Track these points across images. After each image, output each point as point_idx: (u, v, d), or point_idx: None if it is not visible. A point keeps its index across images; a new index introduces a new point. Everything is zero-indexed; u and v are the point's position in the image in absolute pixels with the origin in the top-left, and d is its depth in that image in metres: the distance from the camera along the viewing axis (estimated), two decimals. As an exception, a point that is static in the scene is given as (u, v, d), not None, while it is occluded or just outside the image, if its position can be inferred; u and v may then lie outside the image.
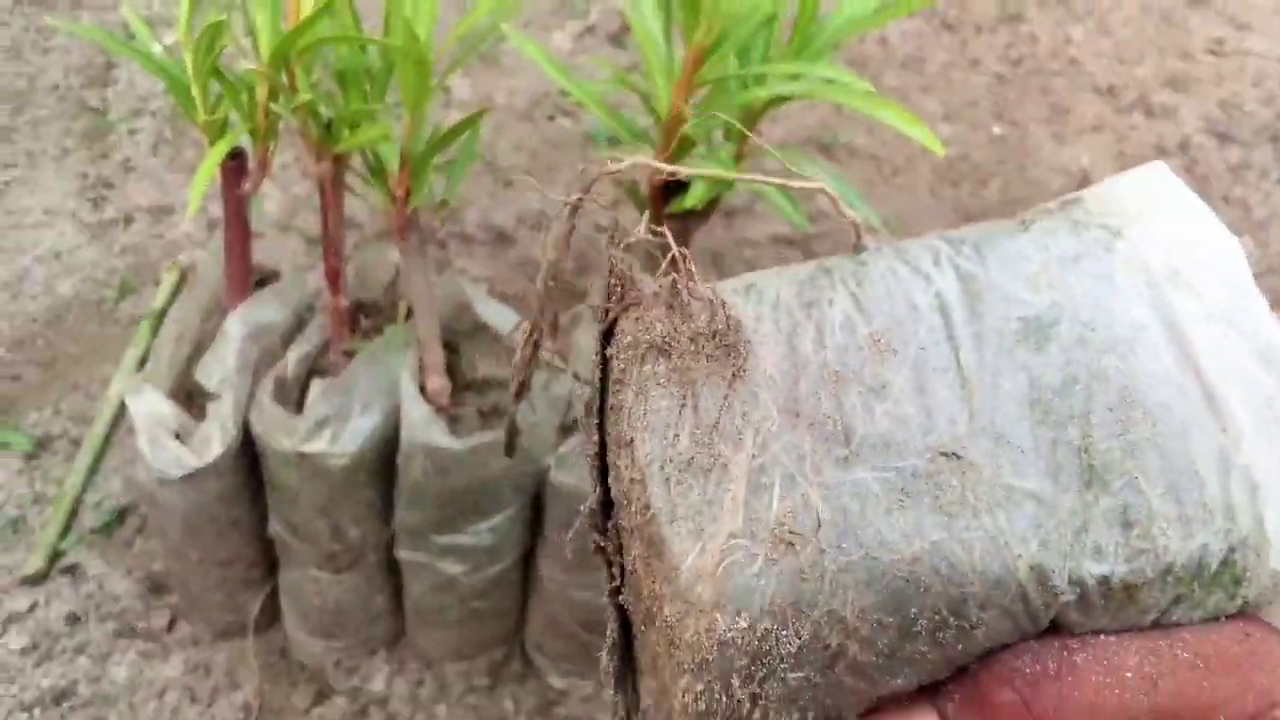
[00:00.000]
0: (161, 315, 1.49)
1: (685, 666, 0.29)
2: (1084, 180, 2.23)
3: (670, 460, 0.29)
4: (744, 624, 0.27)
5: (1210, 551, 0.29)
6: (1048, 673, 0.30)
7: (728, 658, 0.28)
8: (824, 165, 0.74)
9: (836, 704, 0.29)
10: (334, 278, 0.96)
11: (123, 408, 1.38)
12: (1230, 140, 2.47)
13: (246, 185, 0.90)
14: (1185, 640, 0.31)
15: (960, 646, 0.29)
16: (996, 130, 2.35)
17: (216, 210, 1.70)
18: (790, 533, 0.27)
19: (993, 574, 0.28)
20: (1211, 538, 0.29)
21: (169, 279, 1.54)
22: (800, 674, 0.28)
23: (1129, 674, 0.30)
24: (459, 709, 1.19)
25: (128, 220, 1.68)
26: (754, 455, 0.28)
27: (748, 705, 0.28)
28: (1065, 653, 0.30)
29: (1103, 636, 0.31)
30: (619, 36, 2.37)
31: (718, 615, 0.28)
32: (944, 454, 0.28)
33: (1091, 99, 2.55)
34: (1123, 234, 0.32)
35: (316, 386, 0.96)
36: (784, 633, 0.27)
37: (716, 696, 0.28)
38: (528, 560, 1.13)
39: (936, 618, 0.28)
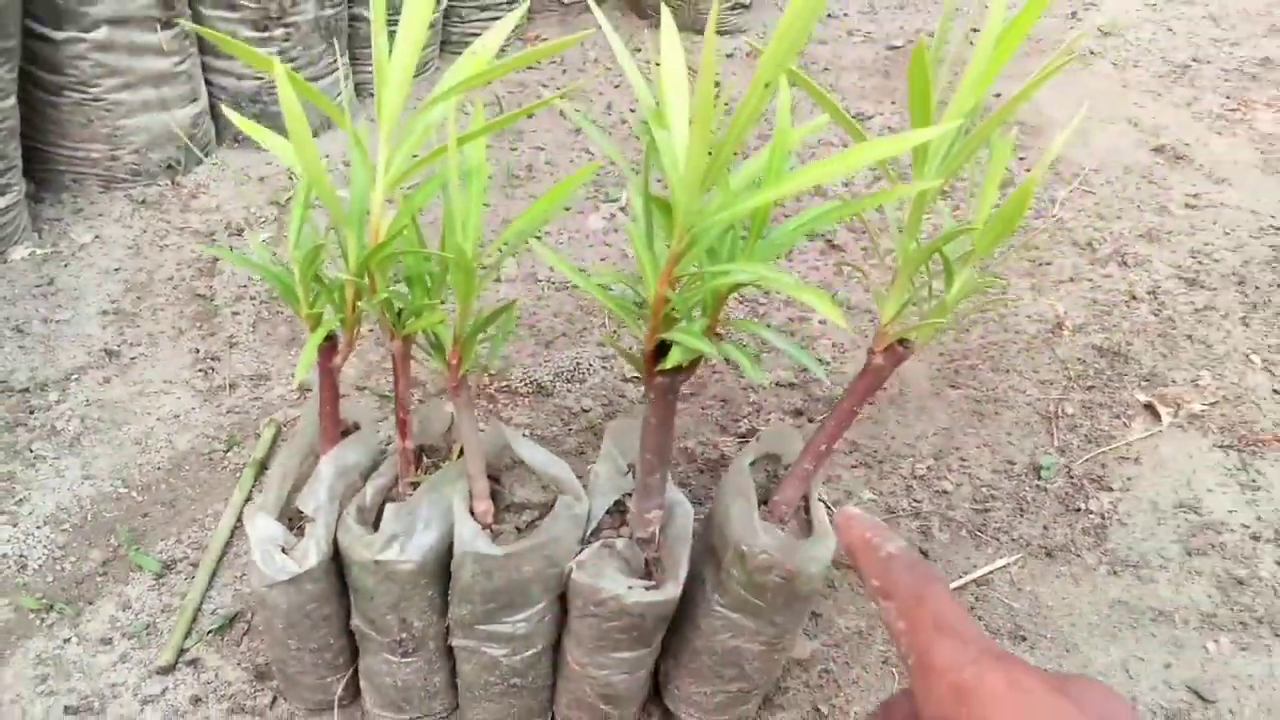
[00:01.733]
0: (262, 464, 1.78)
1: None
2: (1058, 326, 2.45)
3: None
4: None
5: None
6: None
7: None
8: (775, 334, 0.91)
9: None
10: (403, 427, 1.22)
11: (232, 536, 1.67)
12: (1198, 285, 2.66)
13: (336, 359, 1.17)
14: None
15: None
16: (980, 282, 2.58)
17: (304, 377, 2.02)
18: None
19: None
20: None
21: (267, 433, 1.83)
22: None
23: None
24: (503, 773, 1.42)
25: (232, 386, 1.98)
26: None
27: None
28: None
29: None
30: (645, 216, 2.67)
31: None
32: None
33: (1070, 252, 2.75)
34: None
35: (389, 510, 1.21)
36: None
37: None
38: (557, 646, 1.36)
39: None
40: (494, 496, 1.27)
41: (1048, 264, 2.70)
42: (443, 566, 1.25)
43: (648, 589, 1.22)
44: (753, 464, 1.32)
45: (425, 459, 1.35)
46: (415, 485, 1.28)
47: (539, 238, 2.55)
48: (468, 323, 1.08)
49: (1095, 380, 2.30)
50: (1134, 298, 2.59)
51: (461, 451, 1.29)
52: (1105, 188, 3.09)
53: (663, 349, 1.00)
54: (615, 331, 2.29)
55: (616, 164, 2.89)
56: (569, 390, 2.09)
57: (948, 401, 2.19)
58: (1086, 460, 2.07)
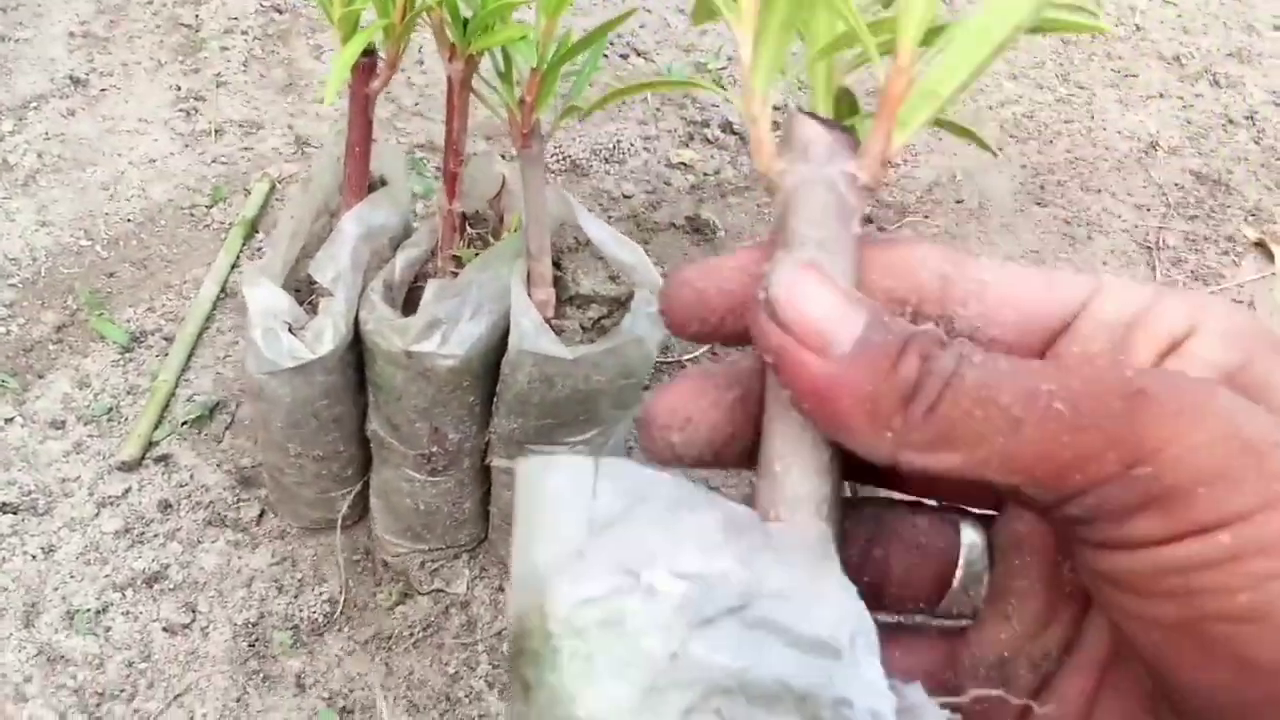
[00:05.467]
0: (252, 225, 1.54)
1: None
2: (1152, 146, 2.25)
3: None
4: None
5: None
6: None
7: None
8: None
9: None
10: (451, 182, 0.98)
11: (214, 308, 1.43)
12: (1300, 112, 2.47)
13: (375, 83, 0.92)
14: (1069, 388, 0.28)
15: None
16: (1063, 91, 2.35)
17: (302, 128, 1.75)
18: None
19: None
20: None
21: (259, 189, 1.59)
22: None
23: (998, 408, 0.28)
24: (536, 617, 1.23)
25: (218, 132, 1.74)
26: None
27: None
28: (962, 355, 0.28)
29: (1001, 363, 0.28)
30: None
31: None
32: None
33: (1157, 66, 2.56)
34: None
35: (433, 287, 0.98)
36: None
37: None
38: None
39: None
40: (555, 284, 1.05)
41: (1134, 75, 2.50)
42: (489, 366, 1.04)
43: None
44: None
45: (469, 228, 1.11)
46: (457, 260, 1.06)
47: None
48: (551, 45, 0.84)
49: (1197, 210, 2.12)
50: (1231, 121, 2.40)
51: (518, 224, 1.06)
52: (1187, 1, 2.88)
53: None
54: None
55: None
56: (607, 171, 1.87)
57: (1034, 220, 2.00)
58: (1197, 301, 1.86)
